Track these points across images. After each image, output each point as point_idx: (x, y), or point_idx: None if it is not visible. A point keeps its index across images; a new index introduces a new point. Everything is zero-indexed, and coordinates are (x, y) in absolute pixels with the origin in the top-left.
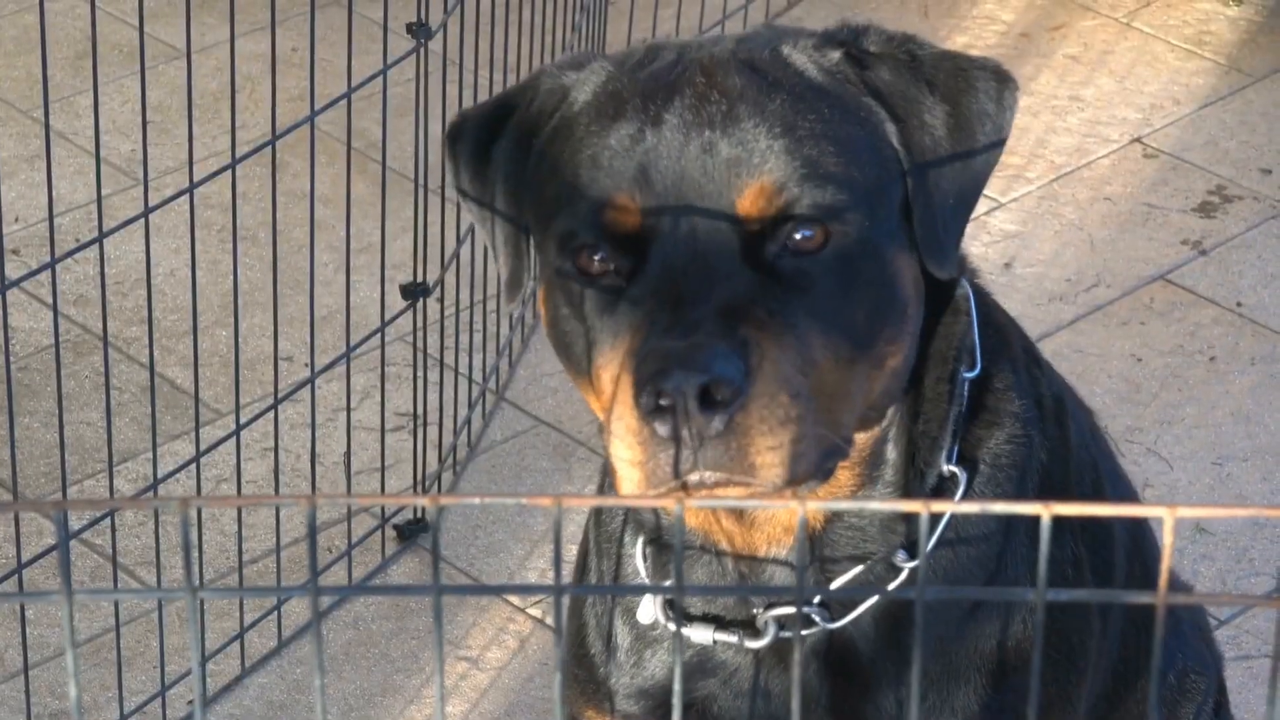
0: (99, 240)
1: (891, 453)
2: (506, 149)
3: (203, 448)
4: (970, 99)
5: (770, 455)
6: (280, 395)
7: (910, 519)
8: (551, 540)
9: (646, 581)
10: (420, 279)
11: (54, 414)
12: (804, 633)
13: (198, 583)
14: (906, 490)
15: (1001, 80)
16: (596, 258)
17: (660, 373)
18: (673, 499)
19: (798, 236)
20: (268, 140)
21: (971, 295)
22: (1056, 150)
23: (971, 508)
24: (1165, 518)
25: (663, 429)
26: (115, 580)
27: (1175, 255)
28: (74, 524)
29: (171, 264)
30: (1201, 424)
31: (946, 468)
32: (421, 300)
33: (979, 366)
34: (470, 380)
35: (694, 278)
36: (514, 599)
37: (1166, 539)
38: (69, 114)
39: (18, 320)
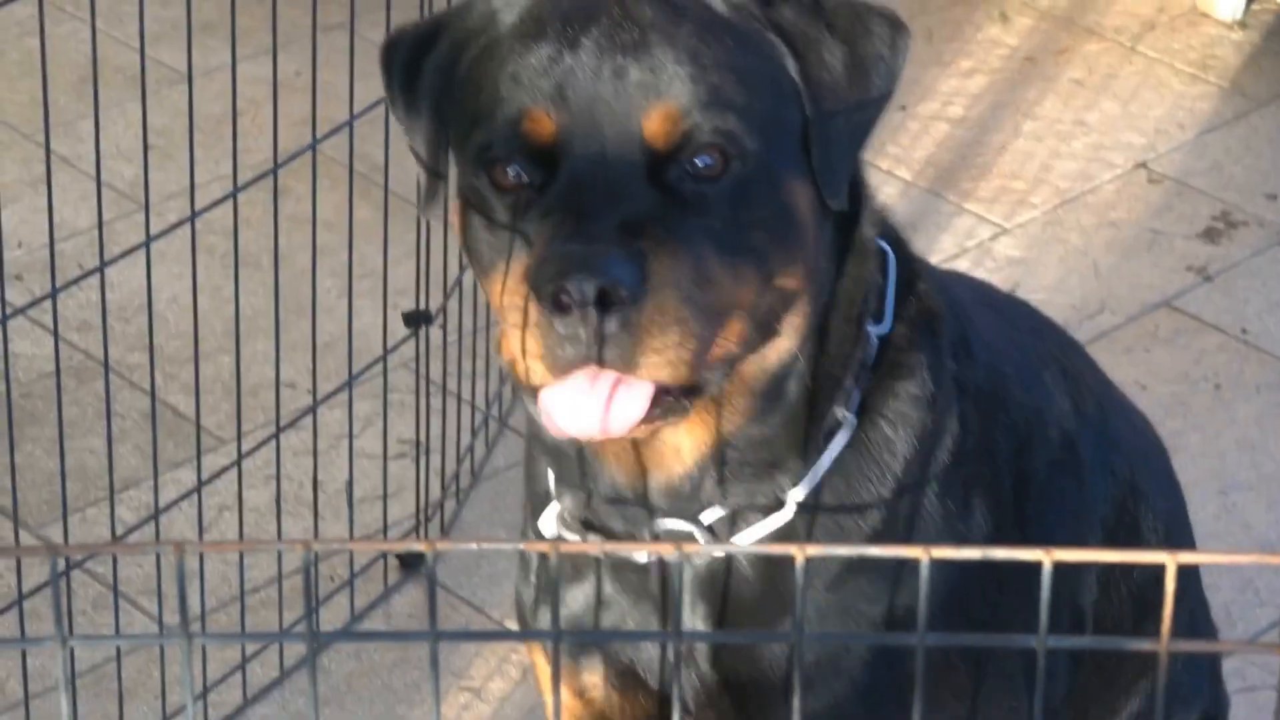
0: (100, 269)
1: (793, 386)
2: (435, 65)
3: (205, 476)
4: (866, 42)
5: (661, 354)
6: (283, 423)
7: (804, 453)
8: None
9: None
10: (423, 305)
11: (56, 441)
12: (687, 560)
13: (198, 617)
14: (801, 426)
15: (895, 28)
16: (510, 170)
17: (561, 273)
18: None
19: (699, 162)
20: (270, 169)
21: (892, 256)
22: (1061, 175)
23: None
24: (1168, 564)
25: (562, 326)
26: (116, 611)
27: (1180, 281)
28: (74, 555)
29: (174, 290)
30: (1206, 452)
31: (840, 411)
32: (424, 327)
33: (888, 324)
34: (473, 407)
35: (600, 193)
36: (516, 628)
37: (1169, 585)
38: (72, 138)
39: (20, 346)
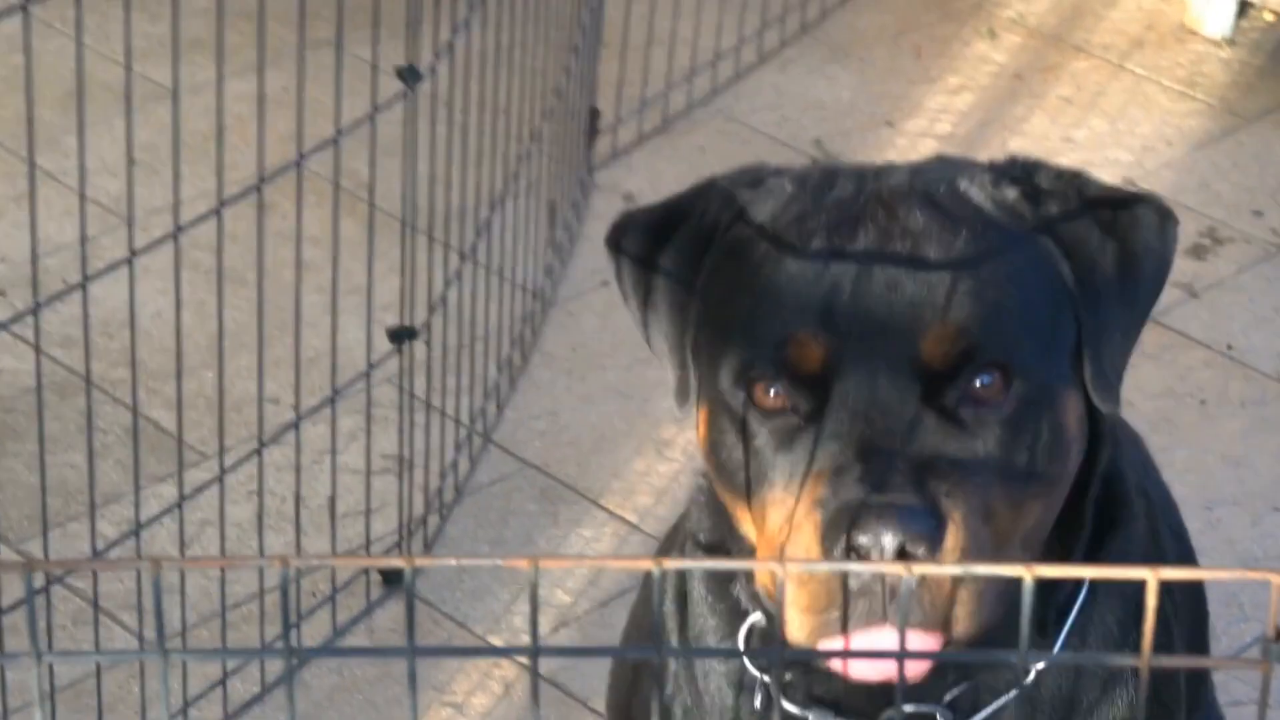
0: (83, 284)
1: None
2: (675, 257)
3: (187, 491)
4: (1136, 235)
5: (961, 609)
6: (265, 438)
7: (1045, 626)
8: (540, 584)
9: (755, 671)
10: (407, 321)
11: (37, 456)
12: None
13: (178, 633)
14: (1043, 601)
15: (1164, 216)
16: (773, 391)
17: (858, 526)
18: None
19: (978, 384)
20: (254, 184)
21: None
22: None
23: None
24: (1149, 579)
25: (854, 581)
26: (96, 626)
27: (1166, 297)
28: (52, 571)
29: (158, 305)
30: (1191, 468)
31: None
32: (408, 343)
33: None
34: (457, 423)
35: (878, 423)
36: (499, 643)
37: (1150, 601)
38: (58, 154)
39: (2, 361)
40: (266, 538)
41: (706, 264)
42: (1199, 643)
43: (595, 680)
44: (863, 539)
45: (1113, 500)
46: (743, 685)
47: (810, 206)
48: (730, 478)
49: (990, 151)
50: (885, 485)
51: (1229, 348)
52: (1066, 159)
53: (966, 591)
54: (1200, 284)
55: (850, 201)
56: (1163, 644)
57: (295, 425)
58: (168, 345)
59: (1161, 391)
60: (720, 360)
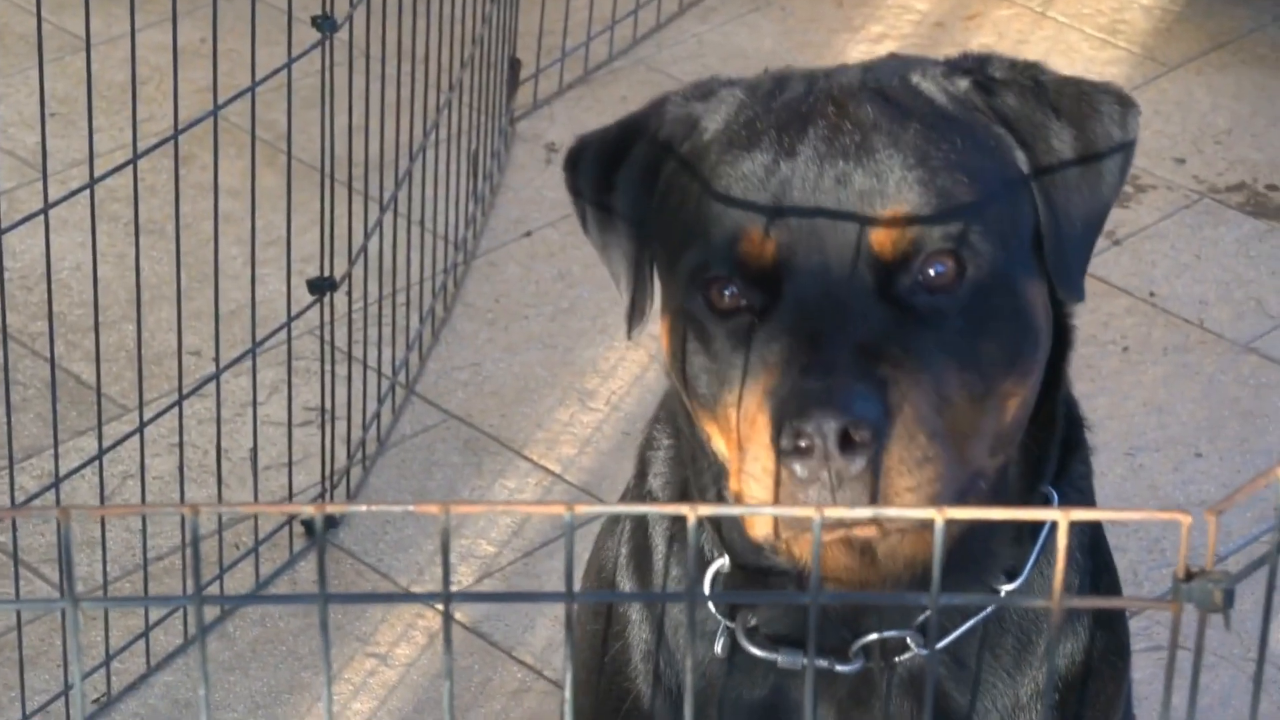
0: None
1: (1012, 476)
2: (630, 177)
3: (106, 444)
4: (1095, 123)
5: (909, 496)
6: (186, 390)
7: (1014, 546)
8: (463, 535)
9: (719, 616)
10: (327, 273)
11: None
12: (896, 660)
13: (100, 585)
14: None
15: (1124, 103)
16: (728, 292)
17: (799, 414)
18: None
19: (932, 272)
20: (170, 135)
21: None
22: None
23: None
24: (1060, 520)
25: (801, 470)
26: (16, 578)
27: None
28: None
29: (77, 258)
30: (1114, 415)
31: (1047, 489)
32: (329, 294)
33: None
34: (379, 374)
35: (829, 314)
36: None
37: (1060, 541)
38: None
39: None
40: (188, 490)
41: (662, 179)
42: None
43: (519, 630)
44: (807, 425)
45: (1069, 420)
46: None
47: (761, 110)
48: (693, 383)
49: None
50: (831, 372)
51: (1151, 295)
52: None
53: (914, 479)
54: (1122, 231)
55: (800, 101)
56: (1110, 577)
57: (215, 377)
58: (86, 298)
59: (1084, 339)
60: (676, 267)
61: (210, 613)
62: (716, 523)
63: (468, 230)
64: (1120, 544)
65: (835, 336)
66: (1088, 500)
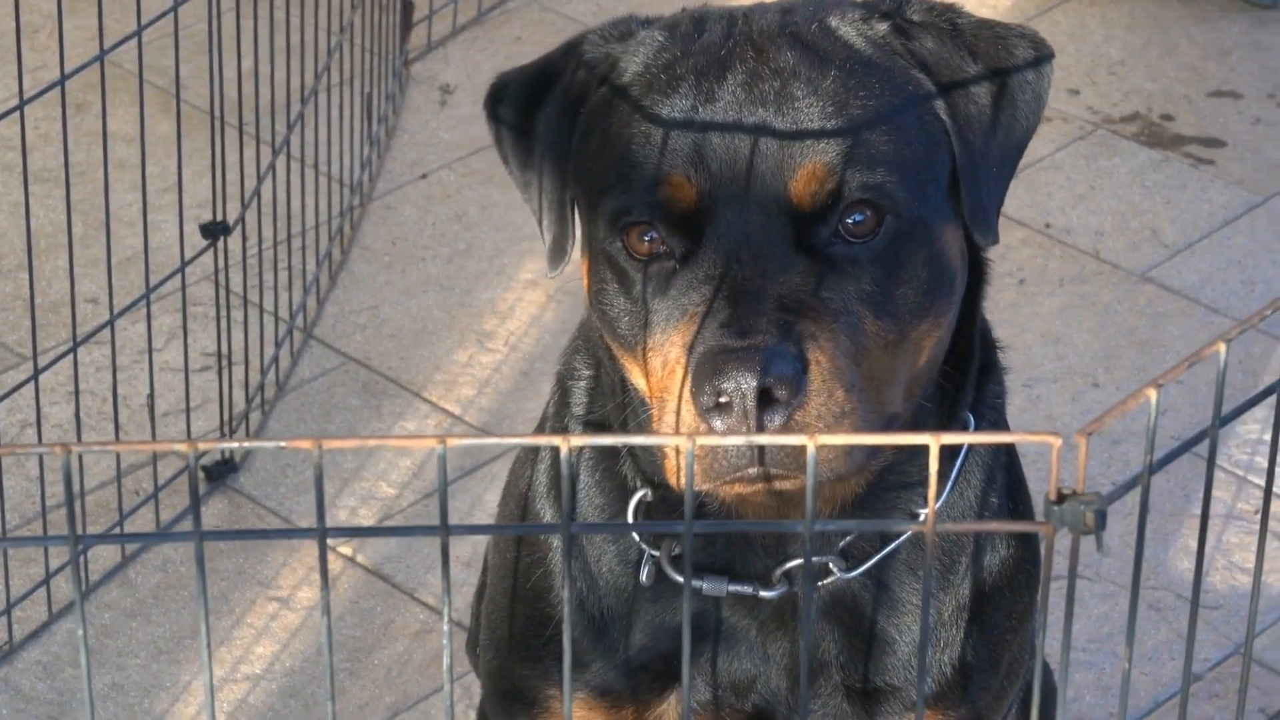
0: None
1: (931, 406)
2: (550, 117)
3: (2, 392)
4: (1011, 66)
5: (827, 450)
6: (80, 337)
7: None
8: (364, 478)
9: (643, 545)
10: (220, 217)
11: None
12: (819, 584)
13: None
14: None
15: (1039, 48)
16: (648, 237)
17: (719, 372)
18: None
19: (850, 221)
20: (57, 80)
21: None
22: None
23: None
24: (931, 444)
25: (720, 425)
26: None
27: None
28: None
29: None
30: (1012, 346)
31: (967, 415)
32: (223, 239)
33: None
34: (277, 319)
35: (748, 264)
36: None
37: (932, 466)
38: None
39: None
40: (86, 437)
41: (581, 120)
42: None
43: (420, 571)
44: (726, 384)
45: (986, 348)
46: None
47: (680, 53)
48: (613, 325)
49: None
50: (751, 328)
51: (1047, 226)
52: None
53: (829, 426)
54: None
55: (719, 44)
56: (1025, 494)
57: (109, 324)
58: None
59: None
60: (597, 210)
61: (111, 559)
62: (637, 455)
63: (363, 173)
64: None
65: (754, 287)
66: (1001, 421)
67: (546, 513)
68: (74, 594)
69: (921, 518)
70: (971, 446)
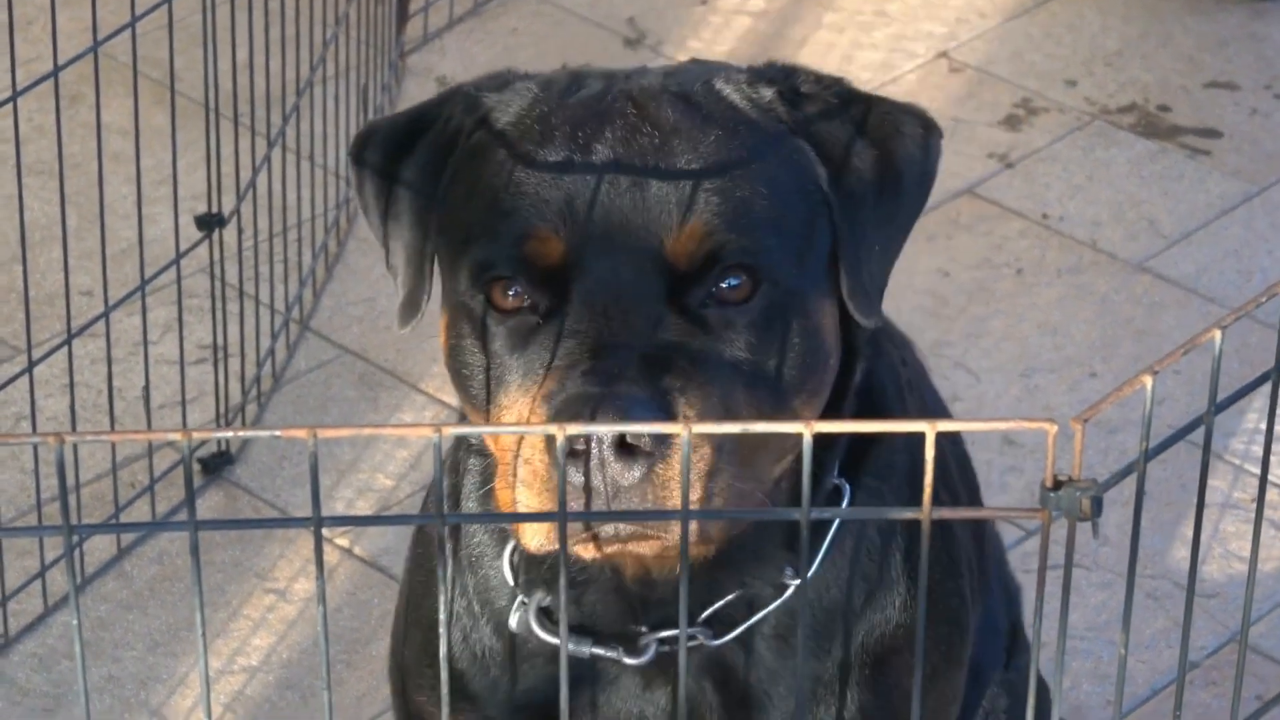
0: None
1: (785, 488)
2: (417, 166)
3: None
4: (898, 144)
5: (696, 519)
6: (75, 330)
7: (787, 551)
8: (360, 469)
9: (518, 590)
10: (216, 209)
11: None
12: (688, 648)
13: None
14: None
15: (928, 127)
16: (511, 292)
17: (575, 417)
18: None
19: (725, 285)
20: (51, 72)
21: None
22: (863, 66)
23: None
24: (927, 432)
25: (576, 475)
26: None
27: (982, 169)
28: None
29: None
30: (1009, 336)
31: (834, 481)
32: (218, 231)
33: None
34: (273, 311)
35: (616, 320)
36: (325, 530)
37: (928, 453)
38: None
39: None
40: (81, 429)
41: (449, 170)
42: (977, 529)
43: None
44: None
45: (872, 411)
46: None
47: (556, 105)
48: (466, 384)
49: (805, 28)
50: (615, 377)
51: (1044, 217)
52: (880, 33)
53: (696, 493)
54: (1015, 154)
55: (598, 99)
56: (945, 533)
57: (104, 316)
58: None
59: (978, 262)
60: (459, 262)
61: (107, 551)
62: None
63: None
64: (1016, 464)
65: (621, 343)
66: (897, 487)
67: (447, 544)
68: (69, 586)
69: (790, 585)
70: (840, 525)
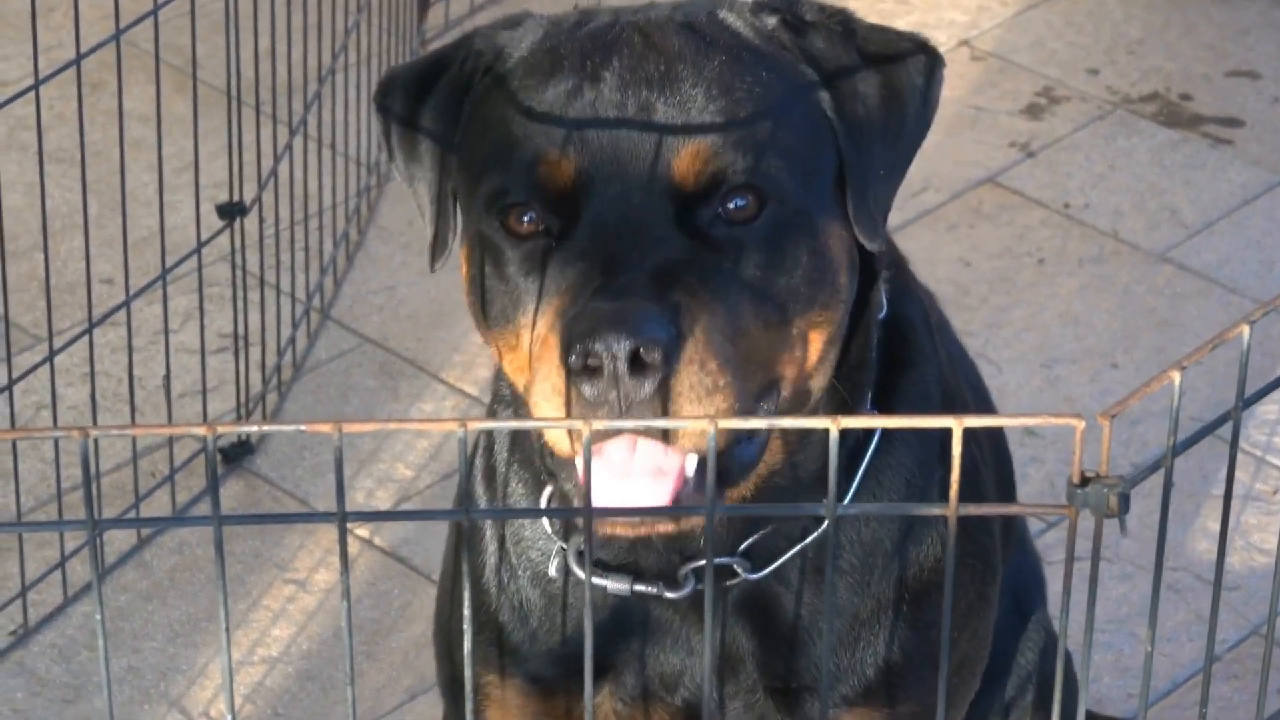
0: None
1: (828, 401)
2: (436, 108)
3: (17, 374)
4: (901, 71)
5: (697, 406)
6: (95, 319)
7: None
8: (380, 460)
9: (554, 537)
10: (237, 198)
11: None
12: (726, 584)
13: (17, 514)
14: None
15: (930, 56)
16: (526, 218)
17: (589, 333)
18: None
19: (731, 205)
20: (73, 59)
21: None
22: None
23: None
24: (954, 428)
25: (590, 390)
26: None
27: (1003, 158)
28: None
29: None
30: (1030, 326)
31: (867, 409)
32: (239, 219)
33: (885, 309)
34: (294, 299)
35: (626, 240)
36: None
37: (955, 449)
38: None
39: None
40: (101, 419)
41: (465, 110)
42: (1006, 490)
43: (438, 554)
44: (596, 344)
45: (903, 343)
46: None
47: (565, 39)
48: (486, 311)
49: None
50: (624, 294)
51: (1066, 206)
52: (902, 20)
53: (702, 405)
54: (1037, 143)
55: (606, 30)
56: (972, 488)
57: (125, 305)
58: None
59: (1000, 251)
60: (476, 193)
61: (127, 541)
62: (544, 450)
63: (380, 153)
64: (1038, 455)
65: (631, 261)
66: (932, 407)
67: (482, 498)
68: (92, 578)
69: (824, 521)
70: (882, 445)
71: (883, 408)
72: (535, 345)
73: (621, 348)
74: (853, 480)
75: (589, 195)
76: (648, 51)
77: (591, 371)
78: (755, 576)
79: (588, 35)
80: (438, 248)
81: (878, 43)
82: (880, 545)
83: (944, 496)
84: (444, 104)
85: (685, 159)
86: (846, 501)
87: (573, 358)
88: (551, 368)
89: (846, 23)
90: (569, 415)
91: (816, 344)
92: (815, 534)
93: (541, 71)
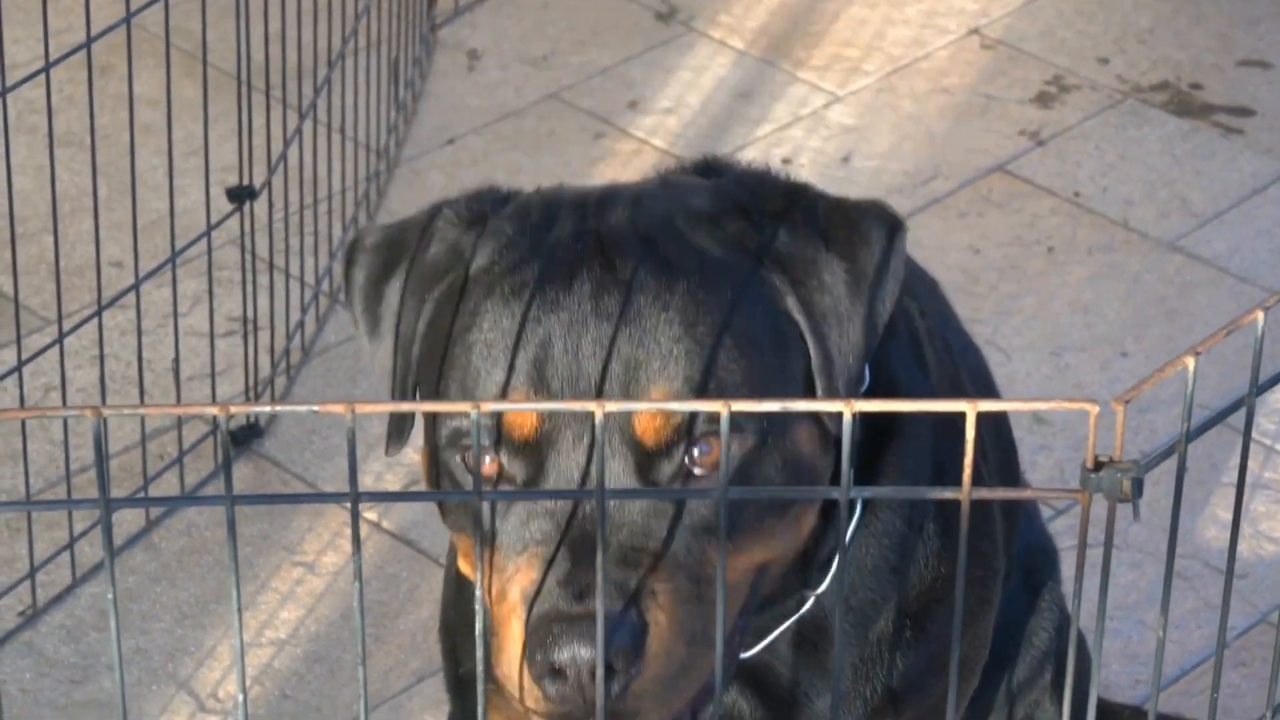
0: None
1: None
2: (397, 293)
3: (26, 356)
4: (865, 252)
5: (665, 710)
6: (105, 301)
7: (822, 560)
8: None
9: None
10: (247, 181)
11: None
12: None
13: (26, 494)
14: (815, 546)
15: (892, 226)
16: (487, 459)
17: (555, 644)
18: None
19: (696, 452)
20: (82, 43)
21: None
22: (894, 42)
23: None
24: (968, 412)
25: (555, 693)
26: None
27: (1013, 146)
28: None
29: None
30: (1040, 315)
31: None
32: (249, 203)
33: (867, 381)
34: (303, 283)
35: (588, 502)
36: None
37: (969, 434)
38: None
39: None
40: (110, 401)
41: (428, 308)
42: (1011, 482)
43: (445, 538)
44: (561, 656)
45: (890, 420)
46: None
47: (528, 252)
48: (445, 513)
49: (837, 3)
50: (588, 590)
51: (1076, 195)
52: (913, 9)
53: (671, 694)
54: (1047, 132)
55: (568, 246)
56: (980, 511)
57: (135, 288)
58: (3, 210)
59: (1009, 239)
60: (438, 420)
61: (135, 523)
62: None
63: (390, 138)
64: (1046, 443)
65: (594, 530)
66: (922, 479)
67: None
68: (104, 557)
69: (809, 597)
70: (864, 516)
71: (868, 481)
72: (499, 606)
73: (585, 660)
74: (828, 569)
75: (553, 445)
76: (608, 280)
77: (556, 674)
78: (746, 655)
79: (548, 252)
80: (396, 435)
81: (842, 226)
82: (873, 604)
83: (936, 517)
84: (407, 293)
85: (645, 417)
86: (825, 585)
87: (536, 667)
88: (515, 656)
89: (810, 208)
90: (532, 701)
91: (794, 534)
92: (799, 612)
93: (501, 293)
